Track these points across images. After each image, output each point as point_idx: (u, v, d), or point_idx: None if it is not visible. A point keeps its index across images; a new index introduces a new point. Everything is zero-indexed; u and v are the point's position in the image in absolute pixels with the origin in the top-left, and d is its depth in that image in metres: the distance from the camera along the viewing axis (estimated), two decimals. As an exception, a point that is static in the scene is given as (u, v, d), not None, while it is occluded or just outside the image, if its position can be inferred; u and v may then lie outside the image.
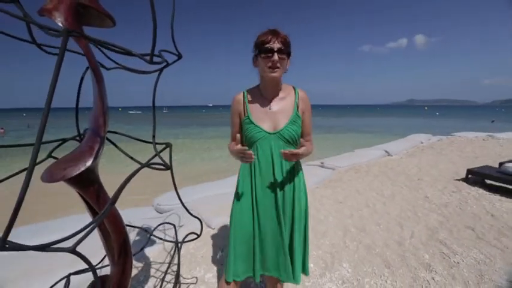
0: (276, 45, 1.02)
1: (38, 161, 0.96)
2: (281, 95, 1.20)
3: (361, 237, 2.37)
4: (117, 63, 1.10)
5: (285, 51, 1.05)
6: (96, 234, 2.19)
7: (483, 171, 3.73)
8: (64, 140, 0.99)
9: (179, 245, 1.23)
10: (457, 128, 14.38)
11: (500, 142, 7.52)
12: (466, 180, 3.93)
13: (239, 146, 1.09)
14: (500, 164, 3.83)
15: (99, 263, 1.31)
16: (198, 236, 1.29)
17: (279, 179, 1.17)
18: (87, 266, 1.23)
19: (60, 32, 0.60)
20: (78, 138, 1.05)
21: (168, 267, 1.30)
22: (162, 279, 1.30)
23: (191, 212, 2.45)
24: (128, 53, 0.73)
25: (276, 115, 1.17)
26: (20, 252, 1.73)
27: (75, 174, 0.73)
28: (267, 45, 1.03)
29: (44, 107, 0.54)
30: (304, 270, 1.29)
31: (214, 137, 14.61)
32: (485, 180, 3.75)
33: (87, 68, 1.12)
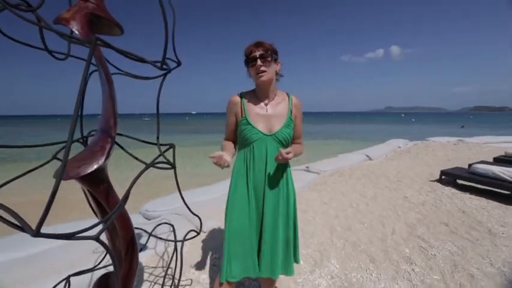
0: (258, 52, 1.15)
1: (42, 162, 0.99)
2: (276, 100, 1.29)
3: (347, 236, 2.49)
4: (119, 70, 1.16)
5: (267, 55, 1.16)
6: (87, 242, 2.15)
7: (455, 172, 4.04)
8: (69, 142, 1.02)
9: (180, 243, 1.26)
10: (431, 133, 15.28)
11: (470, 146, 8.13)
12: (440, 180, 4.22)
13: (220, 153, 1.11)
14: (470, 165, 4.17)
15: (98, 263, 1.32)
16: (198, 233, 1.34)
17: (272, 179, 1.25)
18: (84, 268, 1.24)
19: (83, 40, 0.66)
20: (81, 140, 1.08)
21: (168, 268, 1.33)
22: (163, 283, 1.32)
23: (185, 213, 2.46)
24: (142, 60, 0.80)
25: (271, 118, 1.25)
26: (19, 256, 1.70)
27: (89, 172, 0.78)
28: (251, 55, 1.17)
29: (73, 112, 0.60)
30: (296, 259, 1.36)
31: (202, 144, 14.49)
32: (457, 181, 4.06)
33: (91, 73, 1.16)
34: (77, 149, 1.05)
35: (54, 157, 0.99)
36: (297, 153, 1.28)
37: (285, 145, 1.26)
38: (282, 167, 1.27)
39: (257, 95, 1.29)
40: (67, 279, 1.09)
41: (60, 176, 0.56)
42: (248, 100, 1.28)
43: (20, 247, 1.86)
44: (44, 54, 1.04)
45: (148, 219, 2.97)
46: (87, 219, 2.36)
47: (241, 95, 1.30)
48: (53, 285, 1.09)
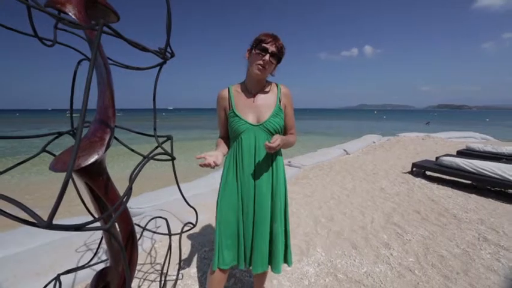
0: (272, 48, 1.11)
1: (31, 155, 0.94)
2: (265, 90, 1.27)
3: (330, 225, 2.61)
4: (111, 60, 1.11)
5: (277, 56, 1.15)
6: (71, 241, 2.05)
7: (424, 165, 4.37)
8: (59, 134, 0.96)
9: (173, 237, 1.25)
10: (401, 129, 16.30)
11: (435, 140, 8.80)
12: (411, 172, 4.55)
13: (207, 153, 1.08)
14: (437, 158, 4.53)
15: (88, 261, 1.26)
16: (194, 225, 1.34)
17: (261, 170, 1.23)
18: (73, 267, 1.19)
19: (88, 26, 0.63)
20: (71, 132, 1.03)
21: (165, 261, 1.31)
22: (160, 275, 1.30)
23: (170, 209, 2.43)
24: (144, 48, 0.78)
25: (259, 108, 1.23)
26: (9, 257, 1.59)
27: (89, 163, 0.75)
28: (264, 45, 1.11)
29: (83, 99, 0.58)
30: (287, 261, 1.33)
31: (185, 140, 14.12)
32: (426, 172, 4.40)
33: (79, 62, 1.10)
34: (66, 141, 1.00)
35: (44, 149, 0.93)
36: (289, 143, 1.27)
37: (274, 135, 1.22)
38: (272, 157, 1.26)
39: (246, 86, 1.27)
40: (57, 279, 1.04)
41: (72, 165, 0.54)
42: (236, 92, 1.27)
43: (4, 247, 1.72)
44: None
45: (132, 216, 2.87)
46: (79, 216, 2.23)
47: (229, 89, 1.29)
48: (43, 286, 1.03)
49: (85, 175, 0.80)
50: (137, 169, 0.84)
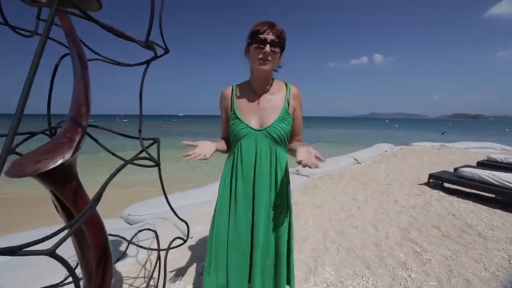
0: (270, 36, 0.97)
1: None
2: (272, 90, 1.13)
3: (340, 240, 2.41)
4: (98, 54, 1.01)
5: (278, 44, 1.00)
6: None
7: (443, 176, 4.09)
8: (32, 134, 0.86)
9: (165, 252, 1.11)
10: (414, 138, 15.79)
11: (452, 150, 8.39)
12: (427, 184, 4.26)
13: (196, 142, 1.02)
14: (455, 169, 4.24)
15: (64, 279, 1.14)
16: (185, 241, 1.20)
17: (263, 181, 1.07)
18: (45, 285, 1.07)
19: (43, 2, 0.52)
20: (48, 132, 0.92)
21: (150, 279, 1.17)
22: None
23: (171, 217, 2.29)
24: (123, 35, 0.67)
25: (264, 111, 1.09)
26: None
27: (51, 168, 0.63)
28: (261, 36, 0.98)
29: (20, 96, 0.46)
30: (289, 282, 1.18)
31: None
32: (444, 184, 4.11)
33: (62, 57, 1.01)
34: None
35: (13, 151, 0.82)
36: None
37: (279, 142, 1.09)
38: (275, 167, 1.09)
39: (250, 85, 1.13)
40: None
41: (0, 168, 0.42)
42: (239, 92, 1.14)
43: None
44: None
45: (131, 224, 2.76)
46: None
47: (233, 88, 1.16)
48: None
49: (48, 181, 0.68)
50: (112, 175, 0.72)
